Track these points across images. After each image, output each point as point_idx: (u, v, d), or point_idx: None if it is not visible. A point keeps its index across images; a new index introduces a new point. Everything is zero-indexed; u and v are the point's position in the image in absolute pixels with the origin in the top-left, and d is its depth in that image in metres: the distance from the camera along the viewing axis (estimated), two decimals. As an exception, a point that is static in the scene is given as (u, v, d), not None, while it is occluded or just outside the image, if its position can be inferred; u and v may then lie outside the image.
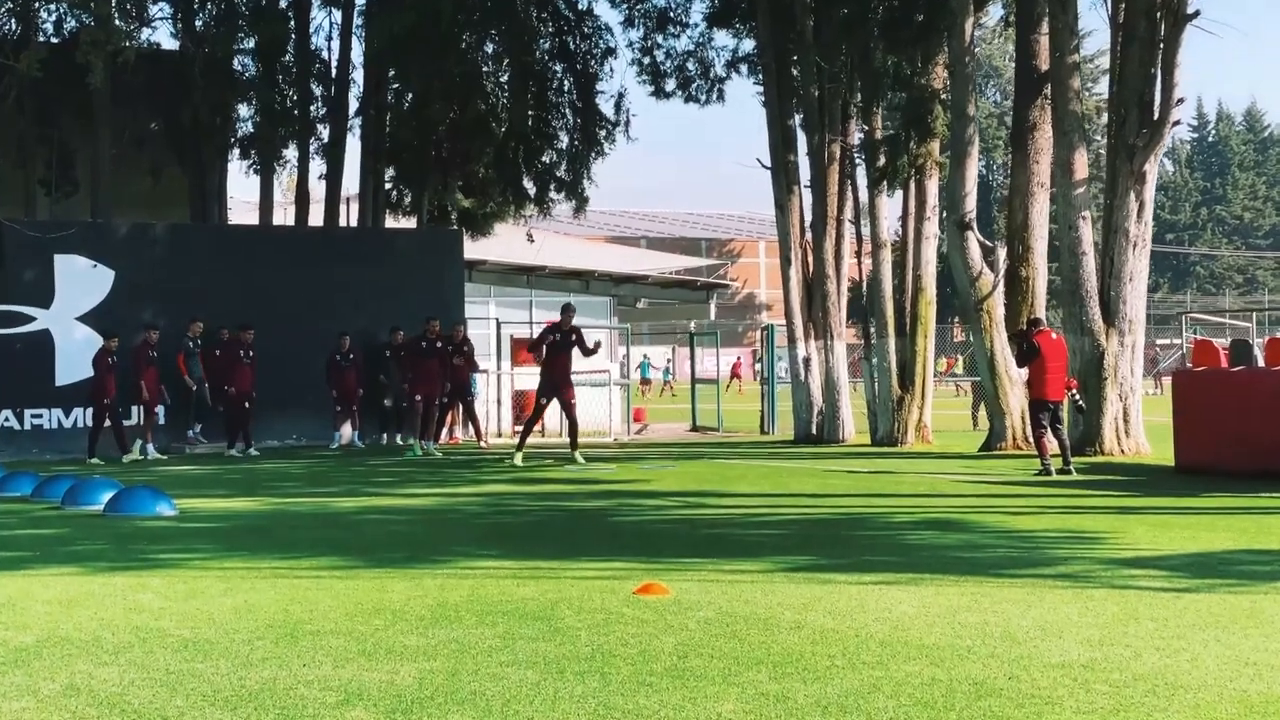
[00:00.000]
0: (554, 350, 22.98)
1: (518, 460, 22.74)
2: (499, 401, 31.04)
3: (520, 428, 25.48)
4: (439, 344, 26.92)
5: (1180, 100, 22.15)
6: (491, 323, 31.52)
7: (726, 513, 15.85)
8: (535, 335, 25.02)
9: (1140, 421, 23.21)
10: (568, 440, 23.73)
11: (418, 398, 26.53)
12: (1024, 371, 23.99)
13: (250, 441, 26.05)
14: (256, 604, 9.77)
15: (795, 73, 28.01)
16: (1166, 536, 12.93)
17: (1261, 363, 20.17)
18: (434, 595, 10.03)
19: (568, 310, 23.30)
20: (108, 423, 24.47)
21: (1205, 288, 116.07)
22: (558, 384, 23.08)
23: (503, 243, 36.21)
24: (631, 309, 39.97)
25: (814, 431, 28.06)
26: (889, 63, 25.97)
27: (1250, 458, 19.13)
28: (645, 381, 62.39)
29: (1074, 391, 20.98)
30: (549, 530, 14.48)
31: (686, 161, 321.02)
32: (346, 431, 28.00)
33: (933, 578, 10.59)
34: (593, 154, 32.48)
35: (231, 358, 26.13)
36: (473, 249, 33.01)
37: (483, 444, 27.05)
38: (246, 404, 26.12)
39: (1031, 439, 23.98)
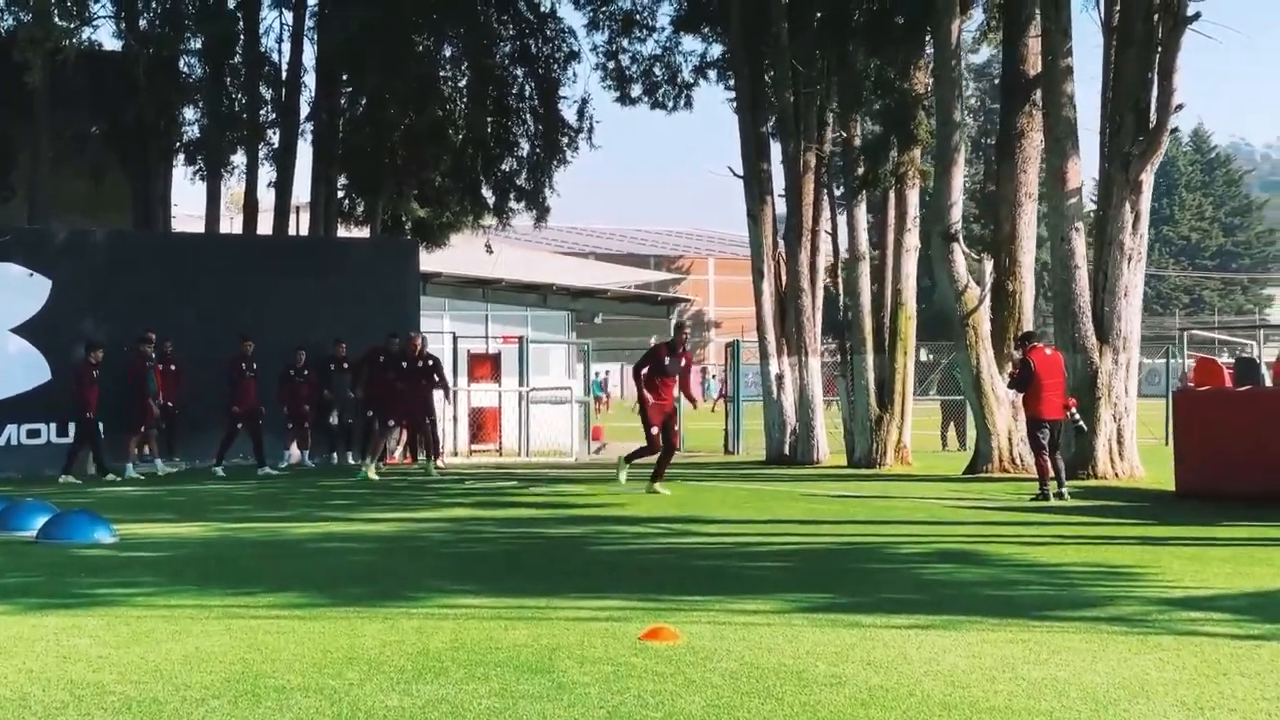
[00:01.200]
0: (660, 374, 19.95)
1: (660, 488, 19.76)
2: (455, 419, 29.66)
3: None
4: (420, 362, 25.15)
5: (1179, 106, 21.14)
6: (447, 337, 30.21)
7: (717, 541, 14.63)
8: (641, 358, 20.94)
9: (1134, 443, 22.18)
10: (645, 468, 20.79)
11: (391, 422, 24.94)
12: (1010, 390, 22.96)
13: (221, 459, 24.81)
14: (210, 652, 8.50)
15: (768, 78, 26.86)
16: (1209, 571, 11.83)
17: (1269, 381, 19.17)
18: (413, 641, 8.79)
19: (680, 330, 21.19)
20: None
21: (1152, 308, 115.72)
22: (668, 410, 20.20)
23: (457, 255, 34.98)
24: (589, 324, 38.75)
25: (786, 452, 26.89)
26: (870, 65, 24.86)
27: (1260, 480, 18.10)
28: (598, 399, 61.18)
29: (1073, 411, 19.81)
30: (528, 561, 13.22)
31: (644, 174, 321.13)
32: (295, 451, 26.57)
33: (970, 621, 9.45)
34: (555, 162, 31.25)
35: (235, 373, 24.82)
36: (427, 260, 31.74)
37: (439, 465, 25.42)
38: (259, 420, 24.97)
39: (1023, 461, 23.01)
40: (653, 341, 39.43)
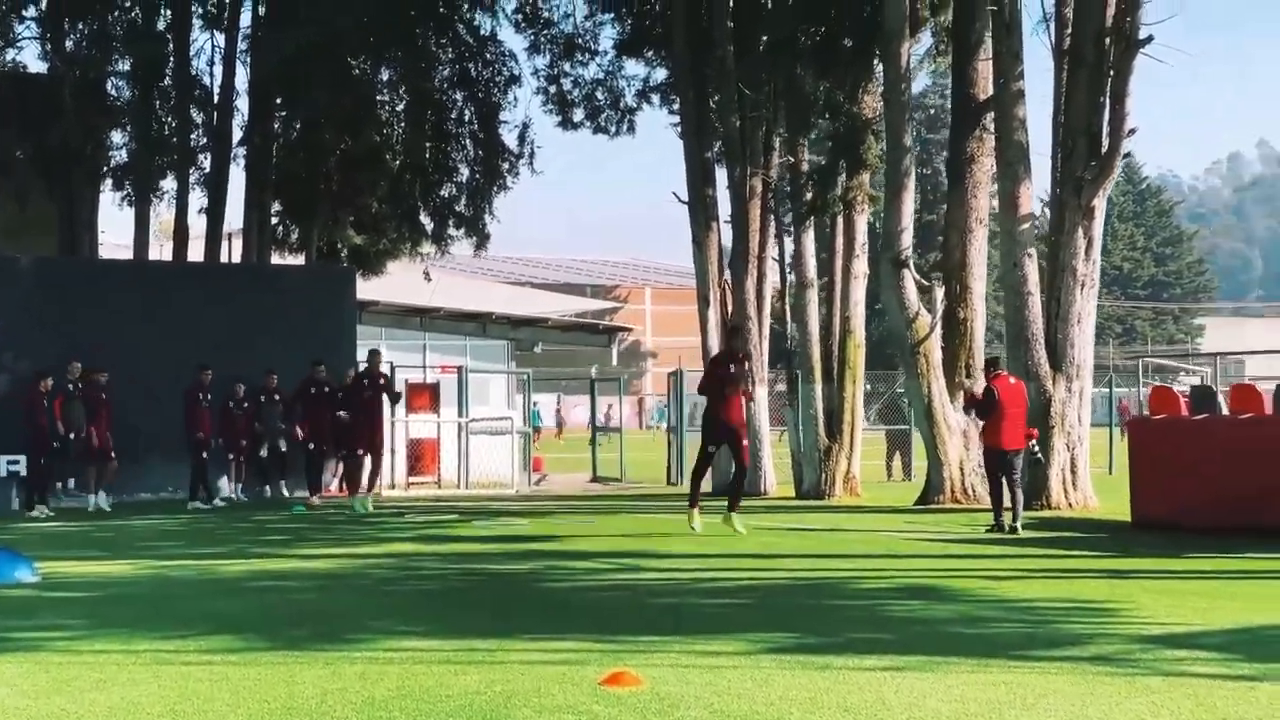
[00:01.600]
0: (724, 384, 18.02)
1: (696, 525, 18.32)
2: (393, 450, 28.91)
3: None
4: (377, 381, 24.46)
5: (1132, 130, 20.83)
6: (384, 367, 29.46)
7: (672, 578, 14.05)
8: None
9: (1088, 473, 21.79)
10: (724, 497, 19.54)
11: (360, 450, 24.20)
12: (963, 419, 22.53)
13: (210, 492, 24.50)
14: (137, 702, 7.86)
15: (714, 102, 26.42)
16: (1184, 606, 11.37)
17: (1226, 410, 18.81)
18: (356, 689, 8.18)
19: (735, 334, 20.13)
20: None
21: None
22: (735, 425, 18.28)
23: (395, 283, 34.32)
24: (528, 353, 38.14)
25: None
26: (819, 89, 24.43)
27: (1218, 512, 17.73)
28: (537, 429, 60.57)
29: (1034, 442, 19.40)
30: (475, 600, 12.59)
31: (585, 199, 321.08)
32: (224, 484, 25.77)
33: (947, 661, 8.93)
34: (495, 187, 30.64)
35: (192, 402, 24.19)
36: (364, 289, 31.08)
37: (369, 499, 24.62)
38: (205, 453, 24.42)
39: (975, 492, 22.59)
40: (594, 371, 38.78)
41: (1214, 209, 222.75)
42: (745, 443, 18.69)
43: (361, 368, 24.71)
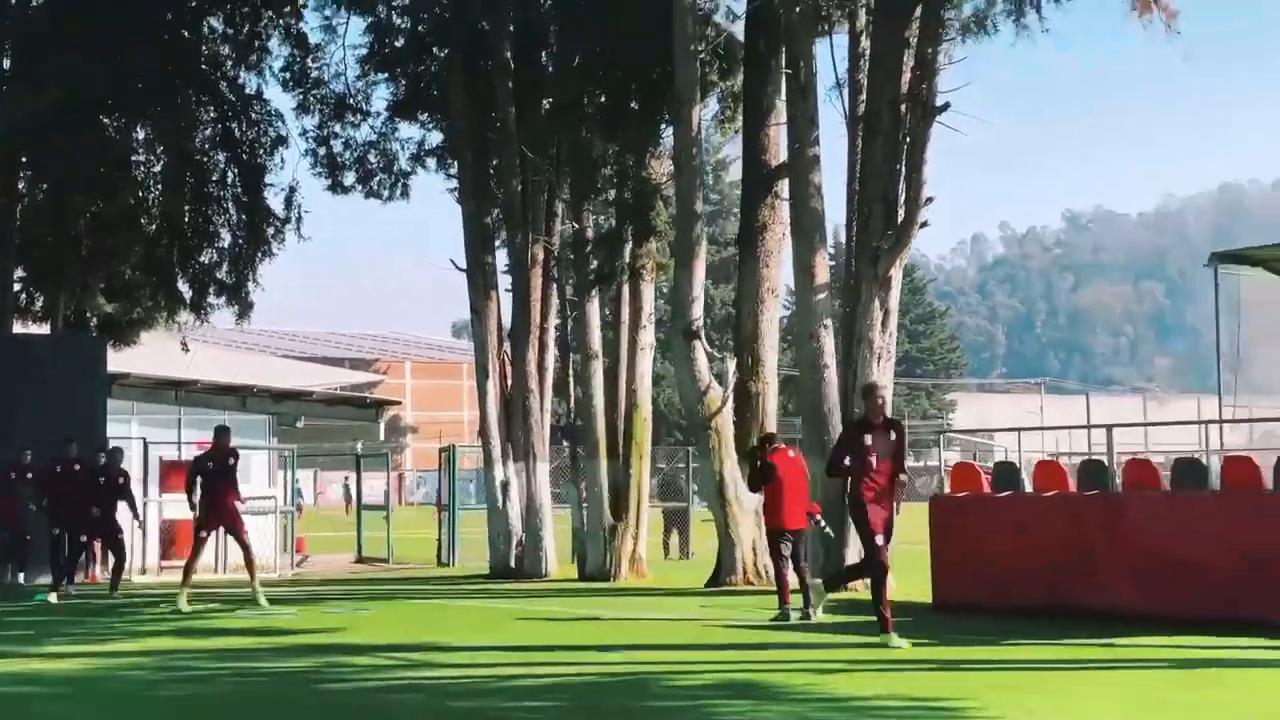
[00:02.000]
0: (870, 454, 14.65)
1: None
2: (144, 533, 26.93)
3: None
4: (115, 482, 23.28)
5: (929, 199, 20.26)
6: (137, 443, 27.57)
7: (468, 674, 12.76)
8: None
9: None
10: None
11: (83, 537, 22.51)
12: (756, 497, 21.64)
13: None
14: None
15: (494, 166, 25.31)
16: (1035, 702, 10.53)
17: (1029, 487, 18.22)
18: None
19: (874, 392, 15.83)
20: None
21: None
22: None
23: (148, 354, 32.36)
24: (290, 428, 36.39)
25: (513, 564, 25.08)
26: (607, 152, 23.51)
27: (1023, 591, 17.09)
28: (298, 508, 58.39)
29: (817, 518, 18.33)
30: (255, 710, 11.13)
31: (349, 267, 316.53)
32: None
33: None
34: (259, 254, 28.97)
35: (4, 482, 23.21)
36: (115, 360, 29.15)
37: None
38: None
39: (768, 573, 21.71)
40: (359, 447, 37.22)
41: (960, 287, 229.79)
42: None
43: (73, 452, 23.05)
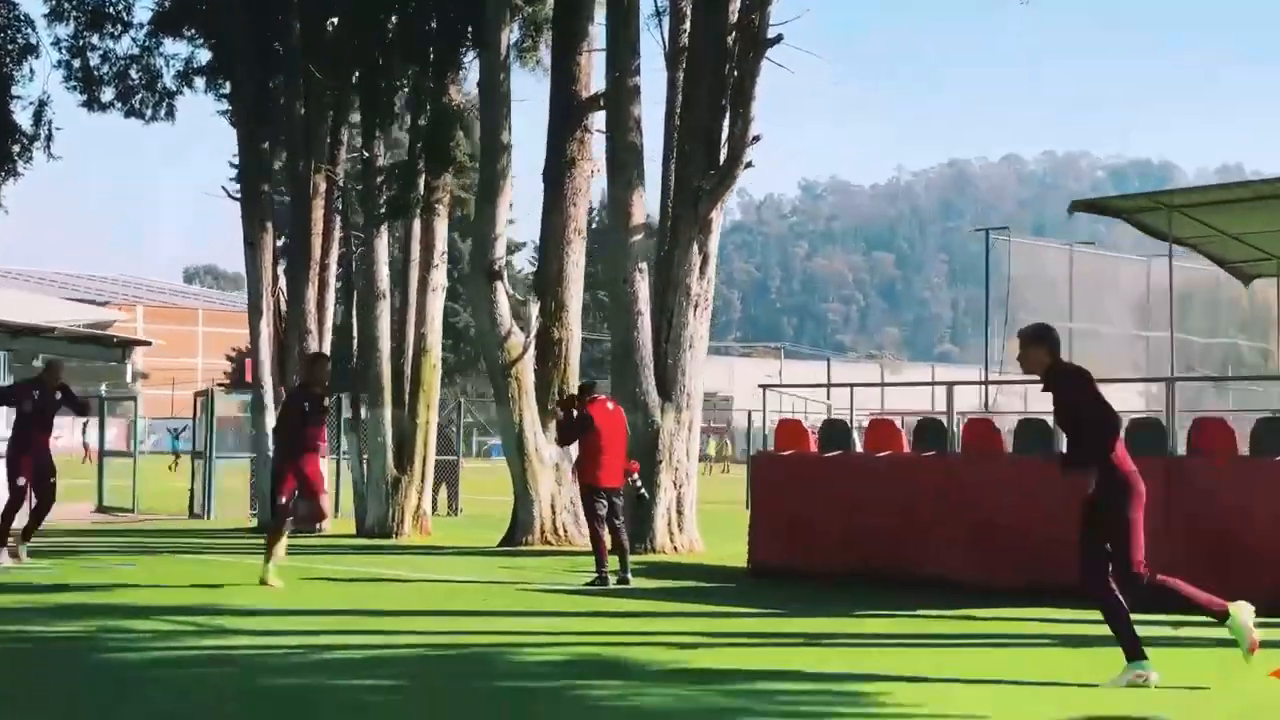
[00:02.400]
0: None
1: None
2: None
3: None
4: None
5: (756, 138, 19.00)
6: None
7: (270, 645, 11.06)
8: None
9: (694, 513, 19.76)
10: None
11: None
12: (557, 451, 20.27)
13: None
14: None
15: (274, 84, 23.30)
16: (924, 675, 9.31)
17: (860, 447, 17.17)
18: None
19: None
20: None
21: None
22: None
23: None
24: (26, 367, 33.59)
25: (282, 518, 23.17)
26: (408, 73, 21.70)
27: (848, 557, 16.00)
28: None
29: (634, 476, 16.90)
30: (23, 686, 9.29)
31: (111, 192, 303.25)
32: None
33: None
34: (3, 173, 26.32)
35: None
36: None
37: None
38: None
39: (567, 532, 20.37)
40: (104, 389, 34.61)
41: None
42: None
43: None
